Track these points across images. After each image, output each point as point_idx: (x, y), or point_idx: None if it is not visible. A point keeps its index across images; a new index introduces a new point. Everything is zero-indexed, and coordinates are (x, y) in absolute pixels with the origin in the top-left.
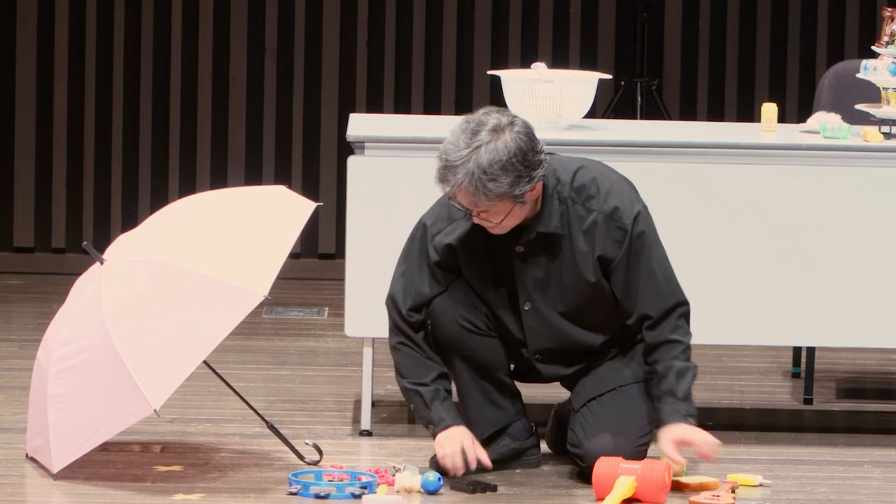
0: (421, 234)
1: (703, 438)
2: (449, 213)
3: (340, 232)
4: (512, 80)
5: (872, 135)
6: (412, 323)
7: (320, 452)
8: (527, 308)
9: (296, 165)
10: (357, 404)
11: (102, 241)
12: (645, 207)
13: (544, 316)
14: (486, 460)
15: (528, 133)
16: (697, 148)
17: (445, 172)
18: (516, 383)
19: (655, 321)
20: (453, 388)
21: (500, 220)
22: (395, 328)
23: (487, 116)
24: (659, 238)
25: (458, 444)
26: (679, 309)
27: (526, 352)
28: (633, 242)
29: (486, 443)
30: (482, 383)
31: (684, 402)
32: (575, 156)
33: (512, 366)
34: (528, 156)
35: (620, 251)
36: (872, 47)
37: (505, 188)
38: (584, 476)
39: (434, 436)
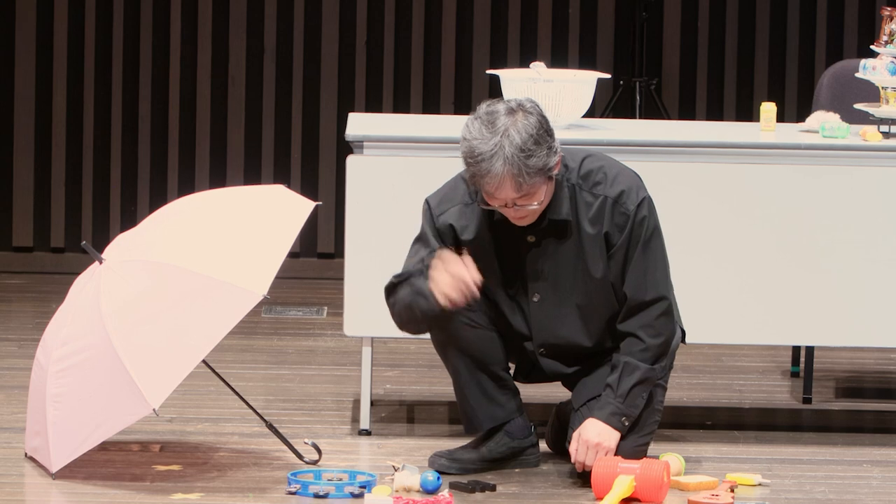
0: (427, 214)
1: (584, 448)
2: (454, 196)
3: (339, 231)
4: (511, 79)
5: (871, 134)
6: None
7: (319, 452)
8: (535, 300)
9: (295, 165)
10: (356, 403)
11: (101, 241)
12: (649, 196)
13: (552, 308)
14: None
15: (536, 105)
16: (696, 147)
17: (482, 166)
18: (516, 384)
19: (632, 309)
20: None
21: (540, 200)
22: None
23: (494, 106)
24: (660, 229)
25: (453, 268)
26: (658, 304)
27: (530, 345)
28: (634, 228)
29: (483, 440)
30: (479, 377)
31: (619, 399)
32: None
33: (512, 367)
34: (546, 125)
35: (622, 236)
36: (871, 46)
37: (543, 160)
38: (583, 475)
39: (426, 272)
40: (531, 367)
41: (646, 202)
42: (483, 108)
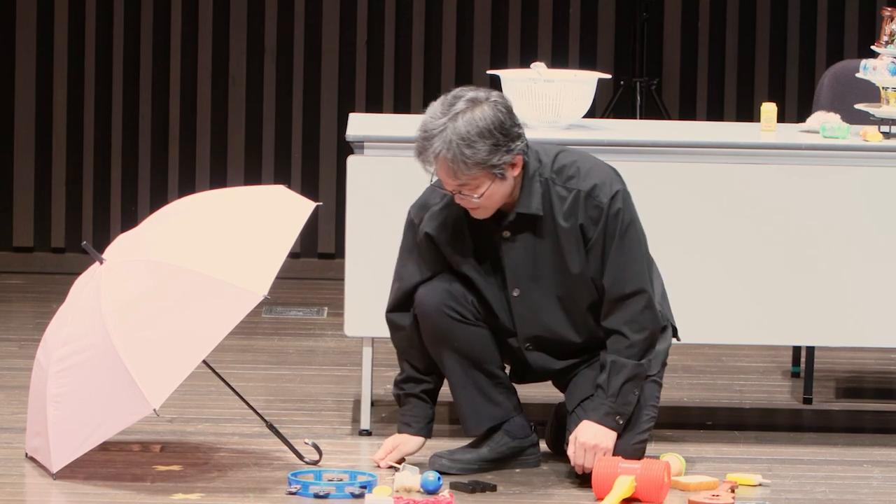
0: (408, 225)
1: (582, 451)
2: (428, 201)
3: (340, 231)
4: (511, 79)
5: (872, 134)
6: (395, 324)
7: (319, 452)
8: (515, 294)
9: (295, 165)
10: (356, 404)
11: (102, 241)
12: (625, 189)
13: (533, 302)
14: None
15: (506, 105)
16: (697, 148)
17: (423, 143)
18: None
19: (613, 303)
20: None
21: (480, 195)
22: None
23: (465, 91)
24: (637, 221)
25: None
26: (638, 298)
27: (515, 341)
28: (609, 221)
29: (483, 440)
30: (475, 375)
31: (611, 399)
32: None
33: (507, 368)
34: (505, 125)
35: (597, 230)
36: (872, 47)
37: (483, 155)
38: (583, 475)
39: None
40: (524, 369)
41: (620, 195)
42: (456, 90)
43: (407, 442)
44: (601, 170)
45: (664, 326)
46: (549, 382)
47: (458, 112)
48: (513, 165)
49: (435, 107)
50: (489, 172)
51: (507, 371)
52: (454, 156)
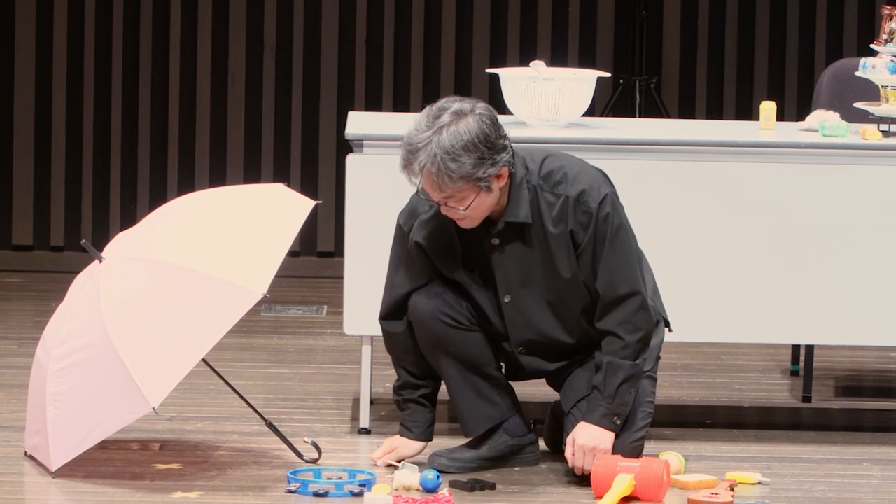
0: (397, 233)
1: (581, 454)
2: (416, 208)
3: (339, 230)
4: (511, 78)
5: (871, 133)
6: (388, 332)
7: (319, 450)
8: (507, 300)
9: (294, 163)
10: (356, 402)
11: (101, 240)
12: (613, 192)
13: (524, 308)
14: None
15: (492, 117)
16: (696, 146)
17: (408, 156)
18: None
19: (607, 305)
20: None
21: (466, 206)
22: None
23: (450, 102)
24: (626, 224)
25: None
26: (632, 299)
27: (508, 346)
28: (598, 225)
29: (483, 439)
30: (472, 379)
31: (608, 400)
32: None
33: (503, 367)
34: (490, 137)
35: (587, 235)
36: (871, 45)
37: (467, 169)
38: (582, 475)
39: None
40: (517, 368)
41: (608, 199)
42: (442, 101)
43: (406, 446)
44: (588, 174)
45: (657, 321)
46: (537, 380)
47: (443, 125)
48: (498, 177)
49: (420, 119)
50: (474, 185)
51: (504, 370)
52: (439, 169)
